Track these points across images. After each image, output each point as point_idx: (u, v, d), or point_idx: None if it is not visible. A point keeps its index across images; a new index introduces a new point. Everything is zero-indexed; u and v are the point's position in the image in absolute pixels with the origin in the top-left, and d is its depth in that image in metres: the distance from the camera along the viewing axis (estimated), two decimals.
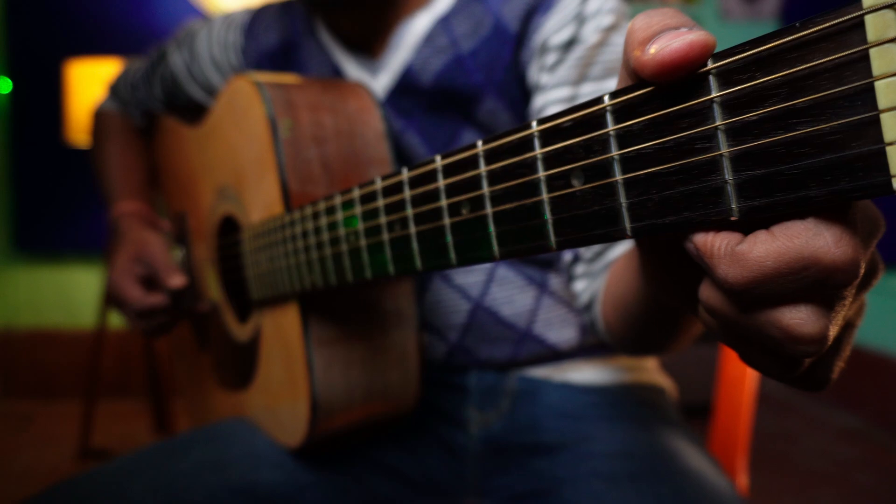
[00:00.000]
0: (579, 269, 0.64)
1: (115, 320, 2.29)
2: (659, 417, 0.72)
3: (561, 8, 0.67)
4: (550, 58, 0.66)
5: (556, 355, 0.74)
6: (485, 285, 0.72)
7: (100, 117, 1.01)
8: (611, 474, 0.64)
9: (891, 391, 2.17)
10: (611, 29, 0.66)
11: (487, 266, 0.73)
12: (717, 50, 0.25)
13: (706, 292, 0.28)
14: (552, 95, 0.66)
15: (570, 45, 0.66)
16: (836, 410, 2.35)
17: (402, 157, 0.73)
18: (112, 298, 0.81)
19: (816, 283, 0.24)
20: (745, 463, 0.83)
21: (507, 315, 0.72)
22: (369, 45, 0.76)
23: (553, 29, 0.67)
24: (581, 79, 0.65)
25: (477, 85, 0.69)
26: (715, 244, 0.26)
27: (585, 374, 0.75)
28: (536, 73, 0.68)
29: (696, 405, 1.67)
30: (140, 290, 0.78)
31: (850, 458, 1.99)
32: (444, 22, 0.71)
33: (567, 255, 0.66)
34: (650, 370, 0.79)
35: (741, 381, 0.82)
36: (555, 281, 0.74)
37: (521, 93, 0.70)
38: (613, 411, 0.72)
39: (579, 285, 0.64)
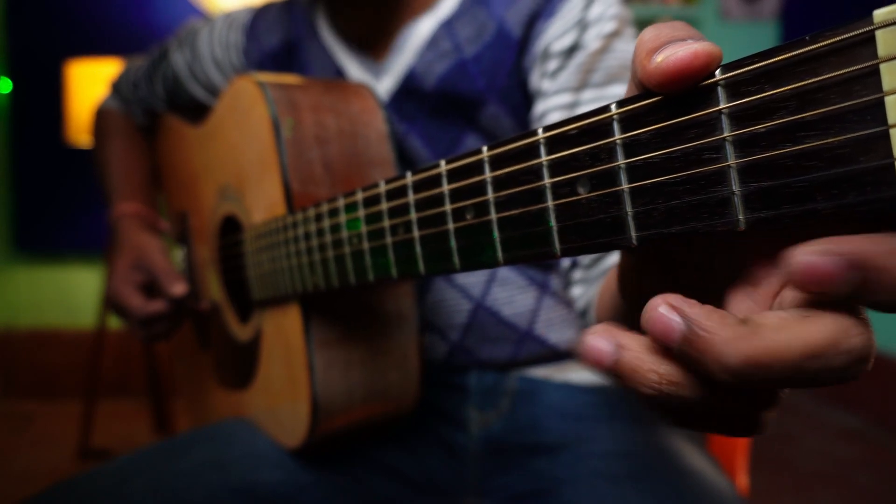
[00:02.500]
0: (577, 274, 0.64)
1: (116, 320, 2.28)
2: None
3: (563, 14, 0.67)
4: (552, 64, 0.67)
5: (557, 355, 0.74)
6: (486, 285, 0.72)
7: (102, 115, 1.01)
8: (611, 474, 0.64)
9: (891, 391, 2.17)
10: (613, 35, 0.66)
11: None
12: (723, 60, 0.25)
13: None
14: (553, 102, 0.66)
15: (571, 51, 0.66)
16: (836, 410, 2.36)
17: (405, 161, 0.73)
18: (113, 307, 0.80)
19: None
20: (745, 463, 0.83)
21: (508, 315, 0.72)
22: (372, 48, 0.75)
23: (555, 35, 0.67)
24: (582, 85, 0.65)
25: (479, 90, 0.69)
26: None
27: (586, 374, 0.75)
28: (538, 80, 0.68)
29: None
30: (140, 299, 0.77)
31: (850, 458, 1.99)
32: (448, 26, 0.71)
33: (565, 261, 0.66)
34: None
35: None
36: (556, 282, 0.74)
37: (523, 98, 0.70)
38: (614, 411, 0.72)
39: (576, 291, 0.65)
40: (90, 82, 1.95)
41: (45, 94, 2.33)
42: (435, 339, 0.73)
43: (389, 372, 0.64)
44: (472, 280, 0.72)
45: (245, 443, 0.67)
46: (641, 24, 2.59)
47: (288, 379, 0.64)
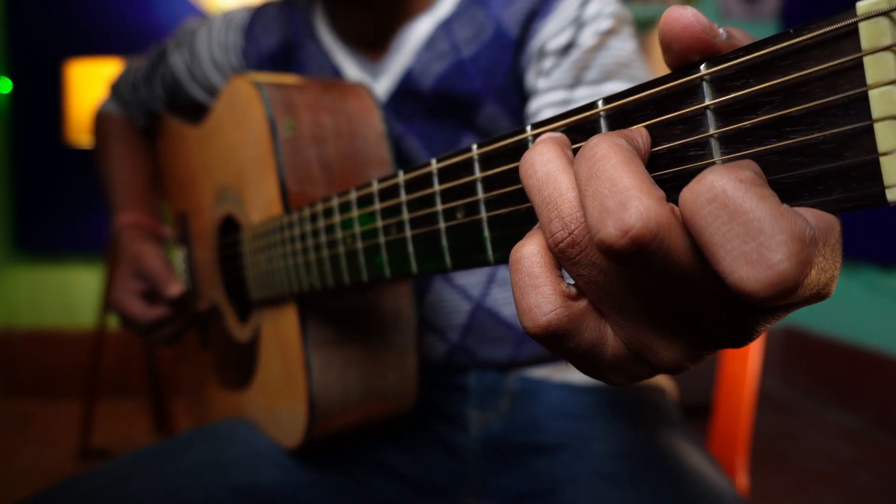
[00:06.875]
0: None
1: (116, 320, 2.28)
2: (659, 417, 0.72)
3: (560, 12, 0.67)
4: (547, 62, 0.66)
5: (556, 355, 0.74)
6: (485, 286, 0.72)
7: (101, 120, 1.00)
8: (611, 474, 0.64)
9: (891, 391, 2.16)
10: (609, 33, 0.66)
11: (488, 267, 0.73)
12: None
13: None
14: (546, 99, 0.66)
15: (566, 49, 0.66)
16: (836, 410, 2.35)
17: (402, 161, 0.73)
18: (119, 317, 0.82)
19: None
20: (745, 463, 0.82)
21: (507, 316, 0.72)
22: (370, 48, 0.75)
23: (551, 33, 0.66)
24: (576, 82, 0.65)
25: (477, 90, 0.69)
26: None
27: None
28: (534, 78, 0.68)
29: (696, 405, 1.67)
30: (142, 306, 0.79)
31: (850, 458, 1.99)
32: (446, 26, 0.71)
33: None
34: None
35: (741, 381, 0.82)
36: None
37: (520, 99, 0.70)
38: (613, 411, 0.72)
39: None
40: (90, 82, 1.95)
41: (45, 94, 2.33)
42: (434, 339, 0.73)
43: (388, 372, 0.64)
44: (472, 281, 0.72)
45: (244, 442, 0.67)
46: (641, 24, 2.57)
47: (286, 378, 0.64)
